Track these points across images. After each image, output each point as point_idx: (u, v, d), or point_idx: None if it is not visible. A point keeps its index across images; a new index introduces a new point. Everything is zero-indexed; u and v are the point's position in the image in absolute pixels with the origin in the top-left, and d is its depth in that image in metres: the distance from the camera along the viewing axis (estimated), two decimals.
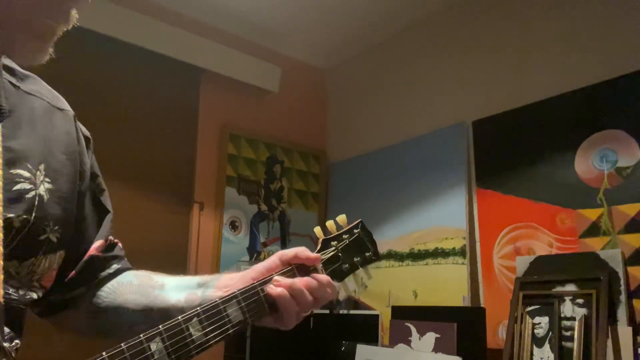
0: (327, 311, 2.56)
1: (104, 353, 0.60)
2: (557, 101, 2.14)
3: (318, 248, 0.86)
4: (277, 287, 0.74)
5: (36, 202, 0.65)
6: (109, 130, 2.39)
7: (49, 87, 0.78)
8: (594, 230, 1.95)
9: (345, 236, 0.89)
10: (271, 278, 0.75)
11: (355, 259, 0.88)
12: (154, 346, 0.64)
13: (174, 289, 0.79)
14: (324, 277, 0.78)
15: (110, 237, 0.83)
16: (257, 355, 2.43)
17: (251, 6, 2.76)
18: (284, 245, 3.01)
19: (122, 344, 0.62)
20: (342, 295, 0.87)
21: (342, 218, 0.92)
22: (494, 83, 2.43)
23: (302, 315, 0.76)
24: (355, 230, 0.91)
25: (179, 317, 0.67)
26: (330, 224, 0.90)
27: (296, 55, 3.27)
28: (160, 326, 0.65)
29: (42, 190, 0.67)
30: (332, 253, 0.86)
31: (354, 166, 3.09)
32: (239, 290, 0.73)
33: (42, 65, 0.74)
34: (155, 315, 0.76)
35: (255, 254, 2.90)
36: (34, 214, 0.65)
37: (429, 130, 2.67)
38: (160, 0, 2.69)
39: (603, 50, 2.05)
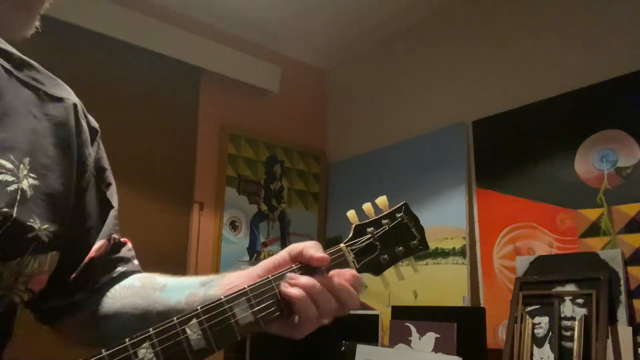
0: None
1: None
2: (557, 101, 2.14)
3: (350, 236, 0.73)
4: (294, 286, 0.62)
5: (18, 197, 0.60)
6: (108, 130, 2.38)
7: (50, 75, 0.72)
8: (594, 230, 1.95)
9: (384, 222, 0.75)
10: (284, 274, 0.63)
11: (398, 249, 0.74)
12: (141, 353, 0.55)
13: (175, 290, 0.71)
14: (351, 274, 0.65)
15: (115, 236, 0.76)
16: (257, 355, 2.43)
17: (251, 6, 2.76)
18: (284, 245, 3.01)
19: (103, 350, 0.54)
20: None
21: (382, 200, 0.77)
22: (494, 83, 2.43)
23: (323, 322, 0.64)
24: (398, 215, 0.76)
25: (174, 319, 0.58)
26: (367, 207, 0.76)
27: (296, 55, 3.27)
28: (150, 329, 0.56)
29: (25, 185, 0.61)
30: (367, 242, 0.72)
31: (354, 166, 3.09)
32: (248, 287, 0.62)
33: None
34: (155, 320, 0.67)
35: (255, 254, 2.90)
36: (16, 209, 0.59)
37: (429, 130, 2.67)
38: (160, 0, 2.69)
39: (603, 50, 2.05)
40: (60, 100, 0.70)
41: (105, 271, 0.74)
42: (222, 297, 0.60)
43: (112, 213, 0.76)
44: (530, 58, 2.30)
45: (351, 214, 0.75)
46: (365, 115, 3.13)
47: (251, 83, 2.91)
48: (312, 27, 2.97)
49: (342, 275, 0.65)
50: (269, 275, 0.63)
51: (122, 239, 0.78)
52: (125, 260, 0.77)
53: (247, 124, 3.00)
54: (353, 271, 0.67)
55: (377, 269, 0.73)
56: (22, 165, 0.61)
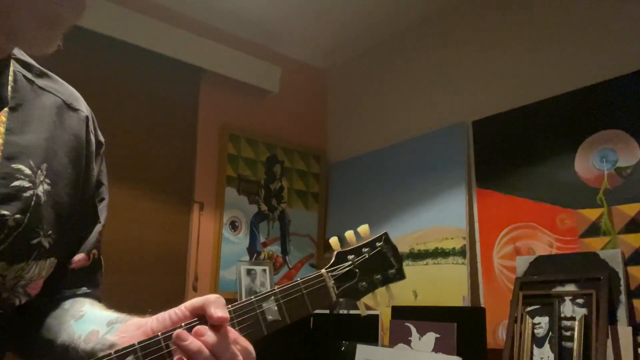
0: (327, 311, 2.56)
1: None
2: (556, 101, 2.14)
3: (332, 262, 0.76)
4: (174, 344, 0.59)
5: (32, 203, 0.61)
6: (108, 130, 2.38)
7: (69, 86, 0.75)
8: (594, 230, 1.94)
9: (365, 250, 0.78)
10: (173, 331, 0.60)
11: (376, 277, 0.78)
12: None
13: (87, 322, 0.67)
14: (239, 339, 0.62)
15: (95, 252, 0.76)
16: (256, 356, 2.43)
17: (251, 6, 2.76)
18: (284, 245, 3.01)
19: None
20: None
21: (364, 228, 0.80)
22: (494, 83, 2.43)
23: None
24: (378, 244, 0.80)
25: None
26: (349, 234, 0.79)
27: (296, 55, 3.27)
28: None
29: (40, 191, 0.63)
30: (347, 269, 0.75)
31: (354, 166, 3.09)
32: (138, 344, 0.58)
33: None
34: (57, 349, 0.67)
35: (255, 254, 2.90)
36: (28, 215, 0.61)
37: (429, 130, 2.67)
38: (160, 0, 2.69)
39: (603, 51, 2.05)
40: (75, 110, 0.73)
41: (72, 285, 0.73)
42: (113, 353, 0.57)
43: (97, 228, 0.76)
44: (530, 58, 2.30)
45: (334, 241, 0.78)
46: (365, 116, 3.13)
47: (251, 83, 2.91)
48: (312, 27, 2.97)
49: (237, 341, 0.62)
50: (159, 334, 0.60)
51: (100, 260, 0.78)
52: (94, 284, 0.76)
53: (247, 124, 3.00)
54: (243, 339, 0.64)
55: (355, 295, 0.77)
56: (39, 171, 0.63)
